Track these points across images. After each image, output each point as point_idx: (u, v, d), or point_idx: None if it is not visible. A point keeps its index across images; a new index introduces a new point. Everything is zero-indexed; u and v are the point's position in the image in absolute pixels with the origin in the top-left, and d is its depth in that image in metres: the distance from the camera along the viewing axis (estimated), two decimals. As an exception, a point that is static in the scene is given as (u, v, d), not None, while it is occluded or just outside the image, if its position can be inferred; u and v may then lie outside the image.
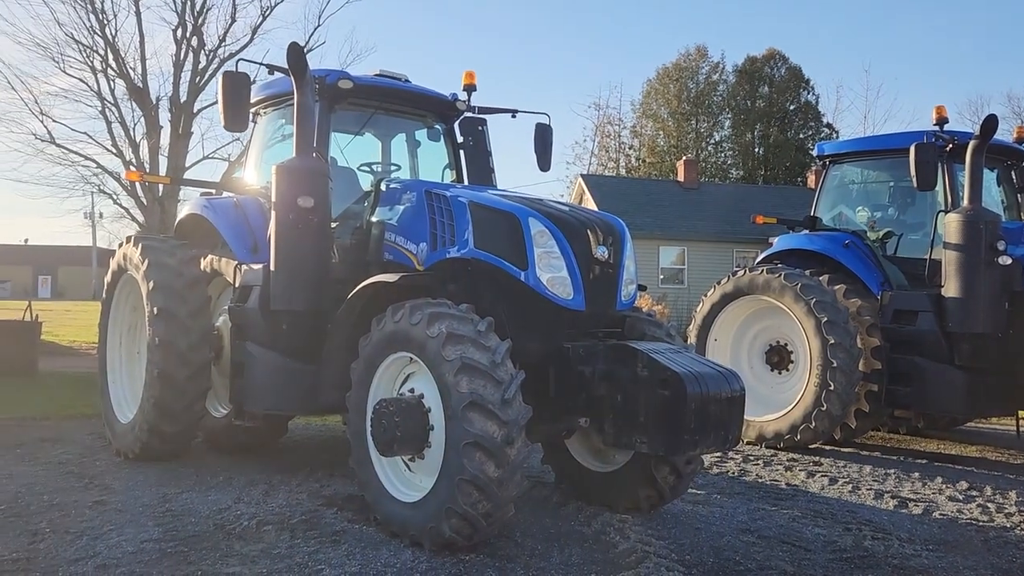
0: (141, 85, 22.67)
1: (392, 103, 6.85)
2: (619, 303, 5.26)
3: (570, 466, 5.77)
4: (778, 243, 9.38)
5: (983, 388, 7.67)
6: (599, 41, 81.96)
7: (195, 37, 23.04)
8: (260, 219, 6.44)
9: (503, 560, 4.51)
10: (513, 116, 7.21)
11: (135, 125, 23.12)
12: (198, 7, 22.82)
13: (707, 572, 4.48)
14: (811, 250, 8.88)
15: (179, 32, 22.84)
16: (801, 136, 48.52)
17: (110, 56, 22.41)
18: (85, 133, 25.68)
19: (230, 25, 23.34)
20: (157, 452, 6.59)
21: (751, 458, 7.74)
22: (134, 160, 22.98)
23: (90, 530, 4.88)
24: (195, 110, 23.14)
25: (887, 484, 6.81)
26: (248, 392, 6.09)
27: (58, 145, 22.78)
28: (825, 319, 7.86)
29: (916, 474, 7.19)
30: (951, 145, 8.13)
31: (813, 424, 7.92)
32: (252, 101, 6.89)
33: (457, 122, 7.17)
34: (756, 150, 49.67)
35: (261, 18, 23.63)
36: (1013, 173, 9.00)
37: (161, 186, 21.81)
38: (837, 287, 8.22)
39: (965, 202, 7.69)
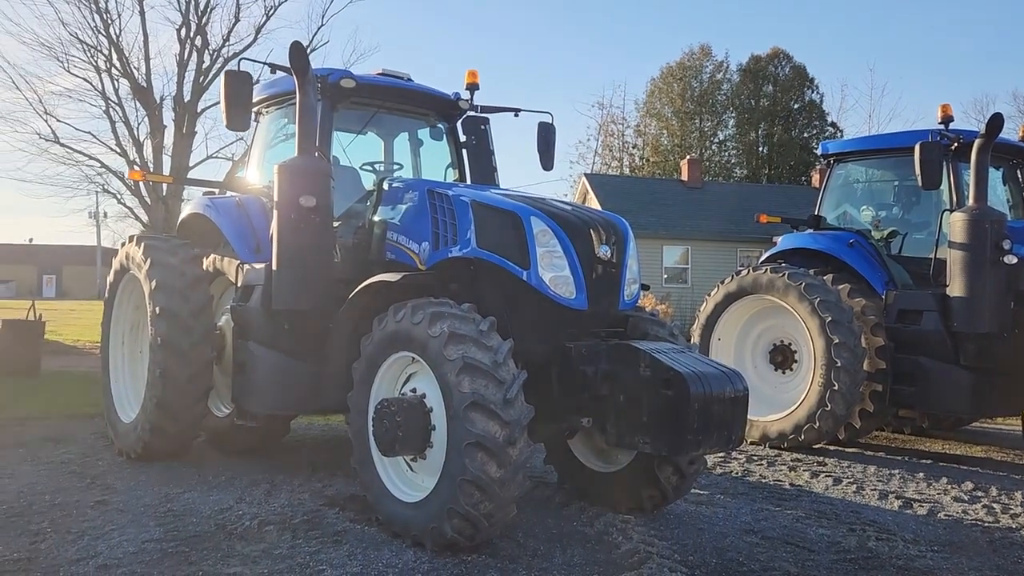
0: (145, 85, 22.73)
1: (394, 102, 6.83)
2: (622, 303, 5.24)
3: (573, 466, 5.75)
4: (782, 242, 9.34)
5: (988, 388, 7.63)
6: (603, 40, 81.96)
7: (199, 37, 23.12)
8: (262, 218, 6.43)
9: (505, 561, 4.49)
10: (516, 115, 7.18)
11: (139, 124, 23.22)
12: (202, 7, 22.91)
13: (710, 573, 4.46)
14: (815, 249, 8.84)
15: (183, 32, 22.92)
16: (805, 135, 48.44)
17: (114, 56, 22.51)
18: (89, 133, 25.75)
19: (234, 25, 23.44)
20: (159, 452, 6.58)
21: (755, 458, 7.71)
22: (138, 160, 23.03)
23: (91, 530, 4.88)
24: (199, 110, 23.22)
25: (891, 484, 6.78)
26: (250, 392, 6.08)
27: (62, 145, 22.90)
28: (829, 318, 7.82)
29: (921, 474, 7.16)
30: (956, 144, 8.09)
31: (817, 424, 7.89)
32: (254, 100, 6.89)
33: (460, 121, 7.16)
34: (760, 149, 49.59)
35: (265, 18, 23.74)
36: (1019, 172, 8.95)
37: (165, 185, 21.86)
38: (841, 286, 8.18)
39: (970, 201, 7.64)
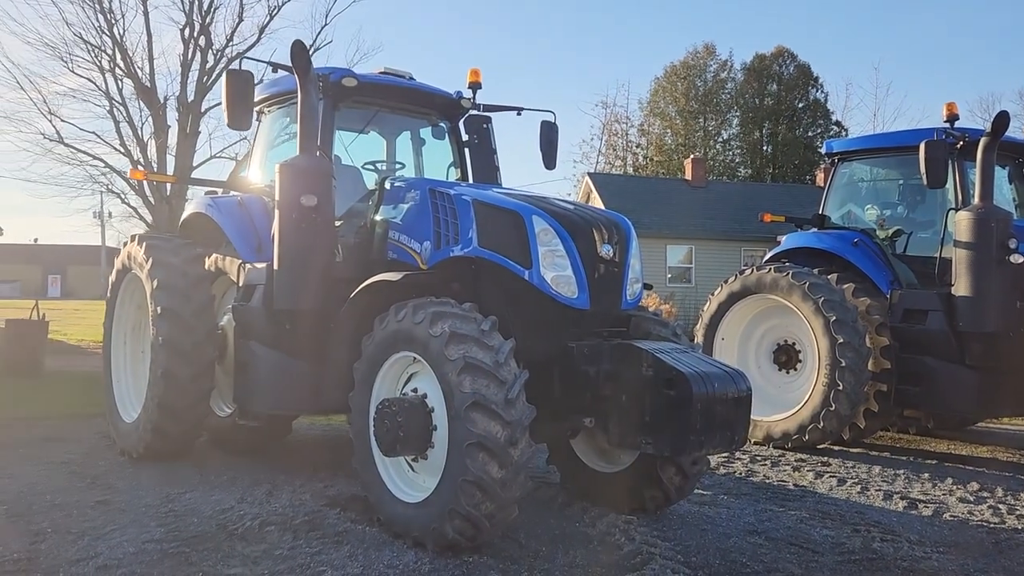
0: (149, 84, 22.73)
1: (396, 101, 6.81)
2: (624, 302, 5.21)
3: (575, 466, 5.72)
4: (786, 241, 9.30)
5: (994, 388, 7.59)
6: (607, 39, 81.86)
7: (203, 36, 23.08)
8: (264, 218, 6.42)
9: (507, 562, 4.46)
10: (518, 114, 7.17)
11: (143, 124, 23.21)
12: (206, 7, 22.88)
13: (713, 574, 4.43)
14: (819, 248, 8.80)
15: (187, 31, 22.89)
16: (810, 134, 48.32)
17: (118, 56, 22.48)
18: (93, 132, 25.63)
19: (237, 24, 23.40)
20: (161, 452, 6.57)
21: (758, 458, 7.67)
22: (142, 159, 23.04)
23: (92, 530, 4.86)
24: (203, 109, 23.19)
25: (896, 485, 6.74)
26: (252, 392, 6.07)
27: (66, 145, 22.88)
28: (834, 318, 7.78)
29: (926, 475, 7.11)
30: (962, 142, 8.04)
31: (821, 424, 7.85)
32: (256, 100, 6.89)
33: (462, 120, 7.14)
34: (764, 148, 49.49)
35: (268, 17, 23.68)
36: (1024, 170, 8.90)
37: (169, 185, 21.86)
38: (846, 286, 8.14)
39: (976, 200, 7.60)
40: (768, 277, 8.41)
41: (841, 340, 7.71)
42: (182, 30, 22.91)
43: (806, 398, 8.03)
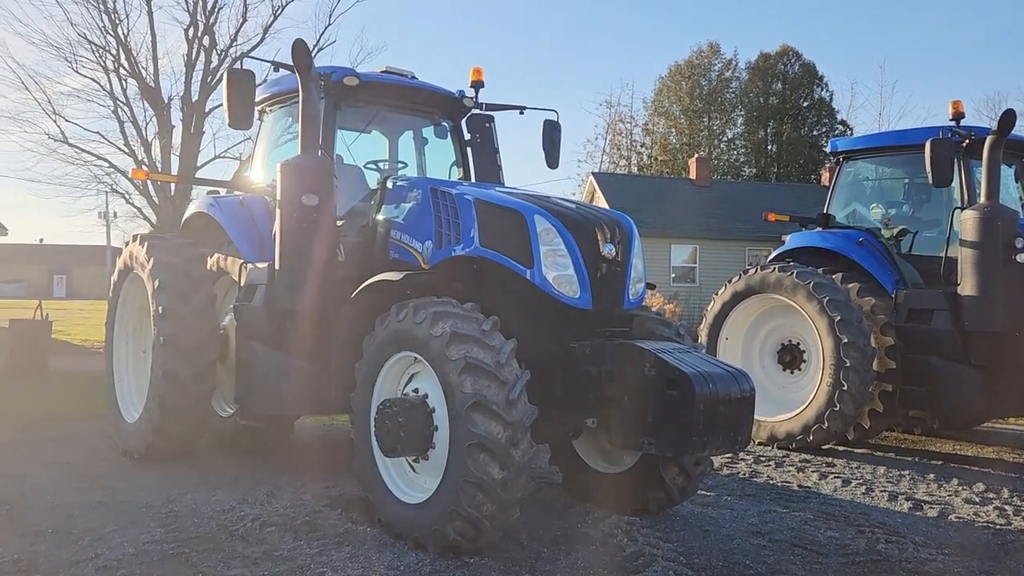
0: (153, 84, 22.75)
1: (398, 100, 6.79)
2: (627, 302, 5.18)
3: (577, 467, 5.69)
4: (790, 241, 9.25)
5: (1000, 388, 7.54)
6: (611, 38, 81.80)
7: (207, 36, 23.09)
8: (266, 218, 6.40)
9: (508, 563, 4.44)
10: (521, 113, 7.14)
11: (147, 124, 23.22)
12: (210, 6, 22.88)
13: (716, 576, 4.40)
14: (824, 248, 8.75)
15: (191, 31, 22.90)
16: (815, 133, 48.20)
17: (122, 56, 22.50)
18: (98, 133, 25.72)
19: (241, 24, 23.40)
20: (162, 452, 6.55)
21: (763, 459, 7.63)
22: (146, 159, 23.06)
23: (92, 531, 4.85)
24: (207, 109, 23.18)
25: (901, 486, 6.70)
26: (253, 392, 6.06)
27: (71, 145, 22.91)
28: (838, 318, 7.74)
29: (931, 476, 7.07)
30: (968, 141, 7.99)
31: (826, 424, 7.81)
32: (258, 99, 6.89)
33: (464, 119, 7.11)
34: (769, 147, 49.38)
35: (272, 17, 23.66)
36: (1031, 169, 8.84)
37: (173, 185, 21.89)
38: (851, 285, 8.09)
39: (982, 199, 7.56)
40: (772, 277, 8.37)
41: (846, 340, 7.67)
42: (186, 30, 22.94)
43: (810, 398, 7.99)
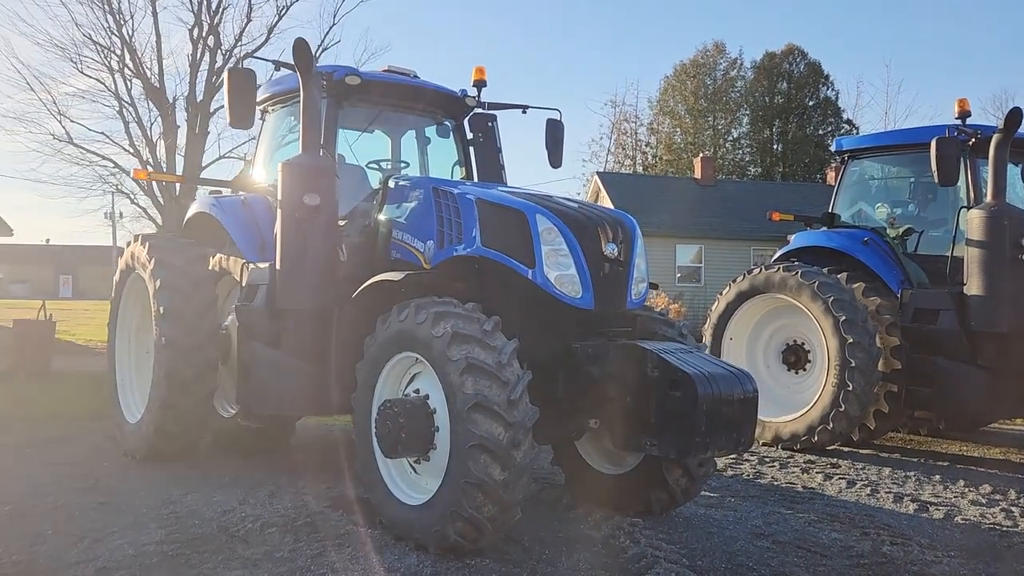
0: (158, 85, 22.79)
1: (400, 99, 6.76)
2: (629, 302, 5.14)
3: (580, 468, 5.66)
4: (795, 240, 9.20)
5: (1006, 388, 7.48)
6: (616, 37, 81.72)
7: (211, 37, 23.13)
8: (268, 217, 6.38)
9: (509, 565, 4.41)
10: (524, 112, 7.12)
11: (152, 125, 23.28)
12: (214, 7, 22.92)
13: (719, 578, 4.36)
14: (829, 247, 8.69)
15: (195, 32, 22.95)
16: (820, 132, 48.08)
17: (127, 56, 22.56)
18: (102, 133, 25.83)
19: (246, 24, 23.44)
20: (164, 452, 6.54)
21: (767, 460, 7.59)
22: (151, 160, 23.10)
23: (92, 532, 4.83)
24: (211, 109, 23.23)
25: (907, 487, 6.65)
26: (254, 392, 6.03)
27: (76, 145, 22.99)
28: (843, 318, 7.69)
29: (937, 477, 7.01)
30: (974, 139, 7.94)
31: (831, 425, 7.76)
32: (261, 99, 6.87)
33: (467, 118, 7.08)
34: (774, 147, 49.27)
35: (277, 17, 23.73)
36: (1037, 168, 8.77)
37: (178, 185, 21.92)
38: (856, 285, 8.04)
39: (988, 198, 7.50)
40: (777, 276, 8.32)
41: (851, 340, 7.62)
42: (191, 30, 22.98)
43: (815, 399, 7.94)
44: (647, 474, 5.24)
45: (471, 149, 7.07)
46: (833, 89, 49.00)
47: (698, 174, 33.39)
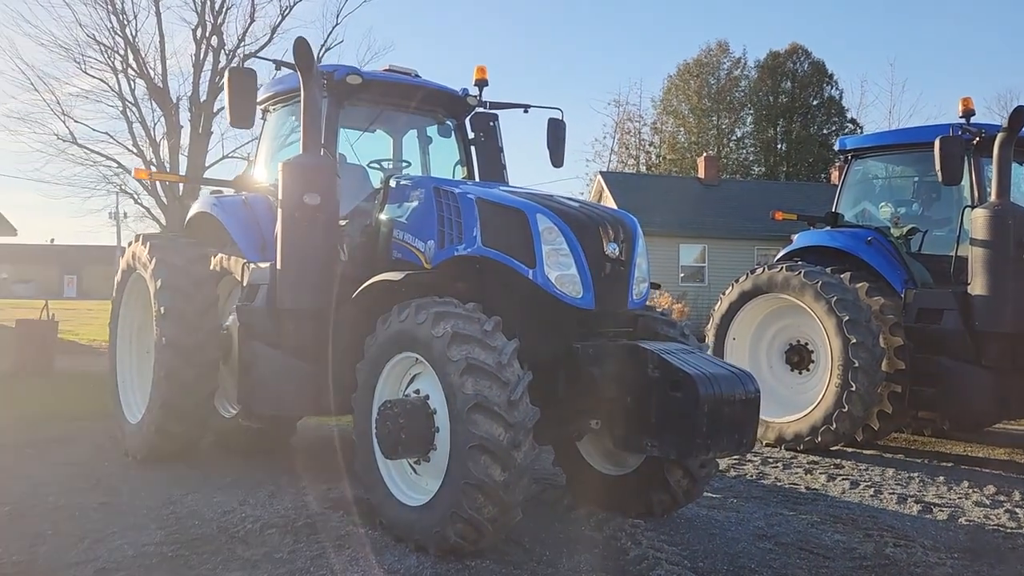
0: (161, 85, 22.86)
1: (401, 99, 6.74)
2: (631, 302, 5.11)
3: (581, 469, 5.63)
4: (798, 240, 9.16)
5: (1011, 389, 7.44)
6: (619, 37, 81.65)
7: (215, 37, 23.18)
8: (269, 217, 6.37)
9: (510, 566, 4.39)
10: (525, 111, 7.10)
11: (155, 125, 23.35)
12: (218, 7, 22.97)
13: (721, 580, 4.33)
14: (832, 247, 8.66)
15: (199, 32, 23.00)
16: (824, 132, 47.97)
17: (130, 56, 22.63)
18: (106, 133, 25.84)
19: (249, 24, 23.47)
20: (165, 453, 6.54)
21: (770, 460, 7.56)
22: (155, 160, 23.16)
23: (92, 533, 4.82)
24: (215, 109, 23.26)
25: (911, 488, 6.61)
26: (255, 392, 6.02)
27: (80, 145, 23.09)
28: (847, 318, 7.65)
29: (941, 478, 6.97)
30: (978, 138, 7.90)
31: (834, 426, 7.72)
32: (262, 98, 6.87)
33: (468, 117, 7.06)
34: (778, 146, 49.19)
35: (280, 17, 23.77)
36: (1042, 167, 8.72)
37: (182, 185, 21.96)
38: (859, 285, 8.00)
39: (993, 197, 7.46)
40: (780, 276, 8.29)
41: (854, 340, 7.58)
42: (194, 30, 23.03)
43: (819, 399, 7.90)
44: (649, 475, 5.21)
45: (473, 148, 7.06)
46: (837, 88, 48.97)
47: (702, 174, 33.35)
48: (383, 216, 5.91)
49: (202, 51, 23.04)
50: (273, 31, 23.70)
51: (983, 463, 7.80)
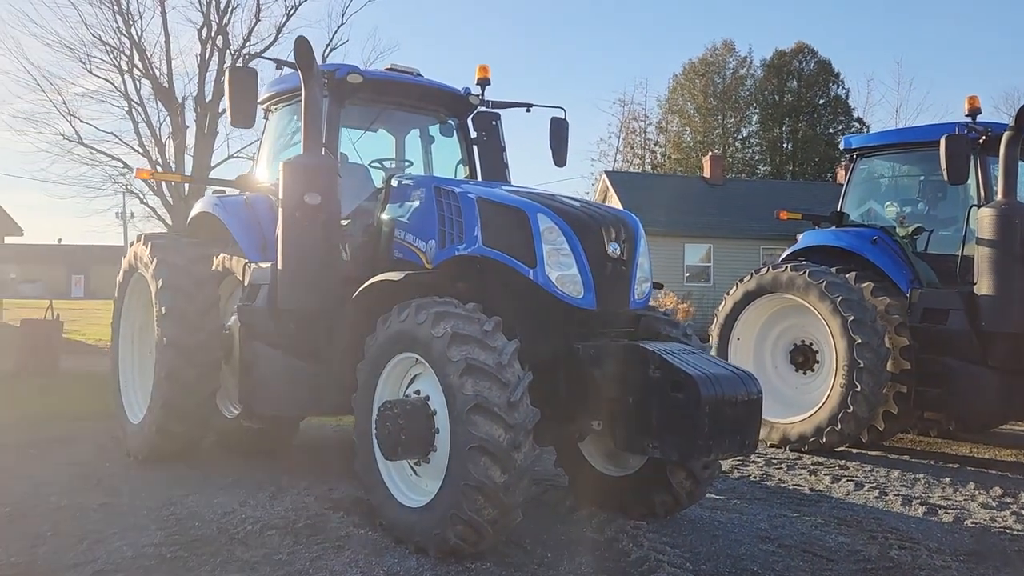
0: (167, 85, 22.88)
1: (403, 98, 6.71)
2: (632, 302, 5.08)
3: (584, 469, 5.60)
4: (803, 239, 9.10)
5: (1017, 389, 7.38)
6: (625, 36, 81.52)
7: (220, 37, 23.17)
8: (270, 217, 6.35)
9: (510, 568, 4.36)
10: (528, 110, 7.06)
11: (161, 125, 23.36)
12: (223, 7, 22.96)
13: (723, 583, 4.30)
14: (837, 246, 8.60)
15: (204, 32, 23.00)
16: (831, 131, 47.87)
17: (136, 56, 22.64)
18: (112, 133, 25.84)
19: (254, 24, 23.44)
20: (166, 453, 6.52)
21: (774, 461, 7.51)
22: (160, 160, 23.18)
23: (92, 534, 4.81)
24: (220, 109, 23.23)
25: (916, 490, 6.56)
26: (256, 393, 6.01)
27: (86, 145, 23.10)
28: (852, 318, 7.60)
29: (947, 479, 6.92)
30: (984, 137, 7.83)
31: (839, 426, 7.67)
32: (263, 98, 6.85)
33: (470, 117, 7.03)
34: (784, 145, 49.08)
35: (285, 17, 23.70)
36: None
37: (187, 185, 21.97)
38: (864, 285, 7.95)
39: (999, 196, 7.40)
40: (784, 276, 8.24)
41: (859, 340, 7.53)
42: (200, 30, 23.04)
43: (823, 400, 7.85)
44: (651, 476, 5.17)
45: (475, 148, 7.03)
46: (843, 87, 48.89)
47: (707, 173, 33.25)
48: (385, 216, 5.89)
49: (207, 51, 23.05)
50: (279, 31, 23.69)
51: (989, 464, 7.74)
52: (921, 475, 7.06)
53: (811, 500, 6.13)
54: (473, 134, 7.02)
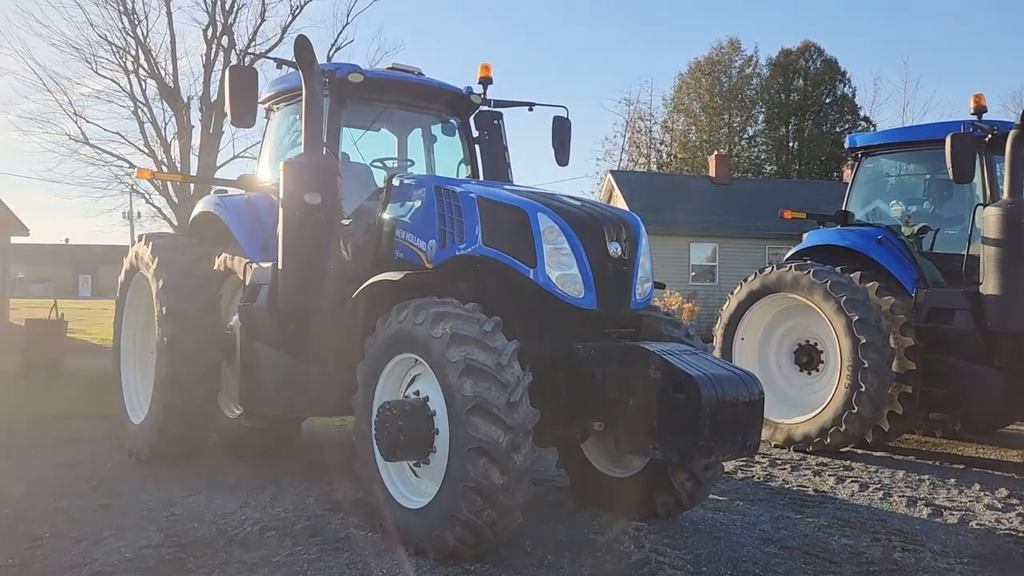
0: (172, 85, 22.88)
1: (404, 97, 6.68)
2: (634, 302, 5.04)
3: (585, 470, 5.57)
4: (808, 239, 9.05)
5: (1023, 390, 7.31)
6: (630, 35, 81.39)
7: (225, 37, 23.17)
8: (271, 216, 6.32)
9: (510, 570, 4.33)
10: (530, 109, 7.04)
11: (166, 125, 23.39)
12: (228, 7, 22.97)
13: (724, 585, 4.26)
14: (842, 246, 8.55)
15: (209, 32, 23.00)
16: (837, 130, 47.61)
17: (142, 56, 22.67)
18: (118, 133, 25.93)
19: (260, 24, 23.46)
20: (167, 454, 6.50)
21: (778, 462, 7.46)
22: (166, 160, 23.21)
23: (91, 535, 4.80)
24: (225, 109, 23.26)
25: (921, 491, 6.51)
26: (257, 393, 5.99)
27: (92, 145, 23.15)
28: (856, 318, 7.54)
29: (952, 480, 6.86)
30: (990, 135, 7.78)
31: (844, 427, 7.62)
32: (264, 97, 6.84)
33: (472, 116, 7.00)
34: (790, 144, 48.89)
35: (291, 17, 23.70)
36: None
37: (193, 185, 21.99)
38: (869, 284, 7.89)
39: (1005, 195, 7.34)
40: (789, 275, 8.19)
41: (864, 340, 7.48)
42: (205, 30, 23.05)
43: (828, 400, 7.80)
44: (653, 478, 5.14)
45: (477, 147, 7.00)
46: (850, 86, 48.61)
47: (713, 172, 33.13)
48: (386, 215, 5.86)
49: (213, 51, 23.06)
50: (284, 31, 23.68)
51: (995, 465, 7.68)
52: (926, 476, 7.01)
53: (815, 501, 6.08)
54: (475, 133, 6.99)
